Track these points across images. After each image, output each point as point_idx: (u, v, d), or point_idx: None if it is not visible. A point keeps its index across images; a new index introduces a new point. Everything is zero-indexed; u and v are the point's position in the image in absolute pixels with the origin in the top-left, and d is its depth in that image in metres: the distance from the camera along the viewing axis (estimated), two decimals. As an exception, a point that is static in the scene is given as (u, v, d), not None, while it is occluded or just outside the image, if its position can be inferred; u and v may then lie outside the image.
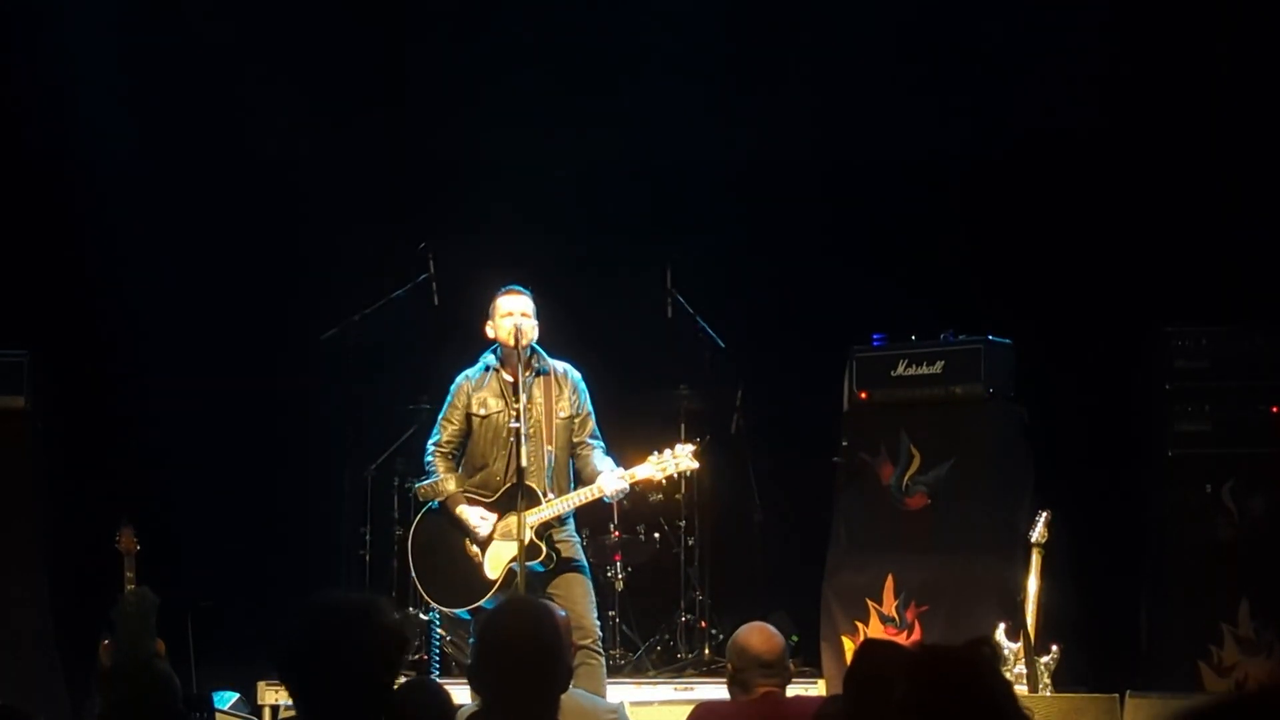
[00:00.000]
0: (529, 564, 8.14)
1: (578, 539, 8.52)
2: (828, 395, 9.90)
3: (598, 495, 8.23)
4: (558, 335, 9.44)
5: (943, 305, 9.95)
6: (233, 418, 10.78)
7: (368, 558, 10.33)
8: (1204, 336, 9.34)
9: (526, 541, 8.09)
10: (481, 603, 8.21)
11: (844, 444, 9.78)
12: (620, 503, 9.43)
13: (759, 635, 5.54)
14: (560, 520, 8.30)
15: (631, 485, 8.35)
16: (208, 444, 10.70)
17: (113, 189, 10.44)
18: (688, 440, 8.89)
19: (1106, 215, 10.16)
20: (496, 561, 8.26)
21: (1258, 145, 9.83)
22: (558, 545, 8.24)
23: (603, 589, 10.11)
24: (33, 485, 9.60)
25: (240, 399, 10.82)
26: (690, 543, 10.23)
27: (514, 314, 8.32)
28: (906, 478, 9.55)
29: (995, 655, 2.65)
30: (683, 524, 10.23)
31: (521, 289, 8.46)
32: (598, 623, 8.36)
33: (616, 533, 10.16)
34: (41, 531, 9.61)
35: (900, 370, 9.64)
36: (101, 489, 10.07)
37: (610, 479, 8.17)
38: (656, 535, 10.32)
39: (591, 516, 10.18)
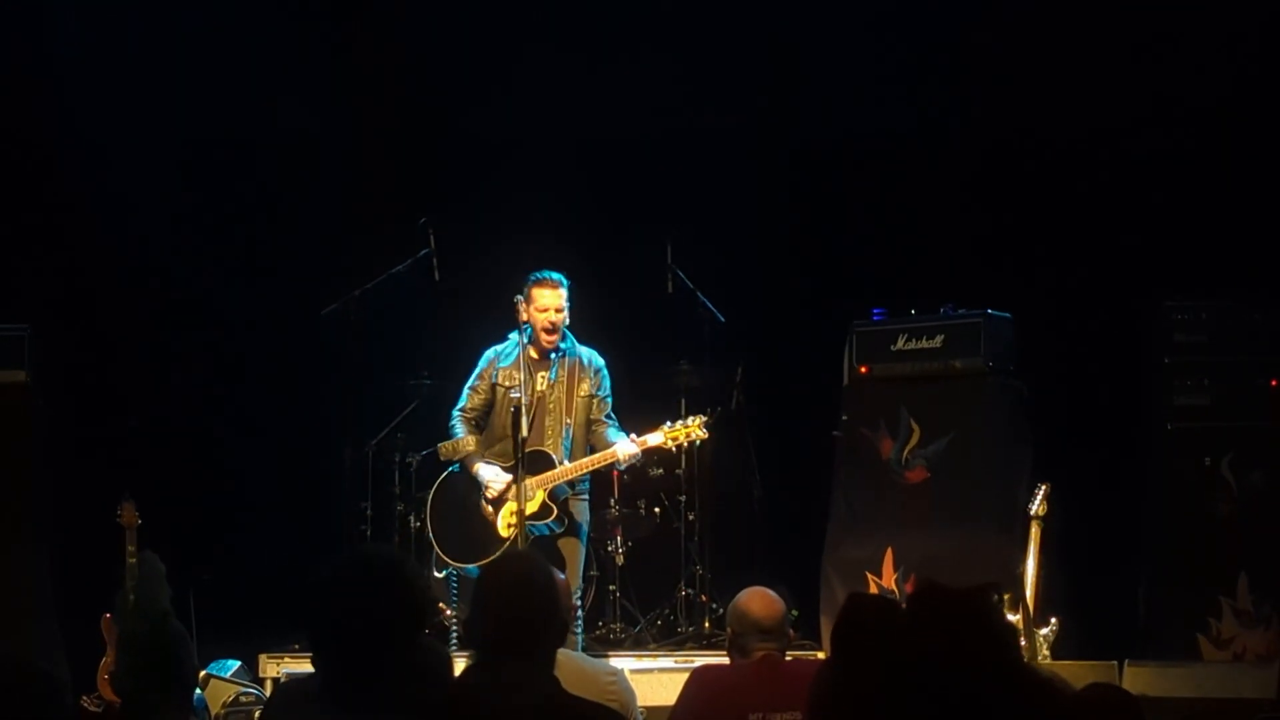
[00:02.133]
0: (541, 523, 8.67)
1: (587, 509, 8.92)
2: (828, 370, 9.91)
3: (612, 459, 8.71)
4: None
5: (943, 279, 9.94)
6: (234, 392, 10.79)
7: (369, 532, 10.35)
8: (1203, 310, 9.36)
9: (539, 502, 8.60)
10: (493, 558, 8.34)
11: (844, 418, 9.79)
12: (620, 475, 9.90)
13: (759, 600, 5.54)
14: (573, 485, 8.78)
15: (643, 452, 8.79)
16: (209, 418, 10.71)
17: (114, 164, 10.43)
18: (690, 415, 9.00)
19: (1106, 189, 10.15)
20: (507, 520, 8.67)
21: (1257, 118, 9.82)
22: (571, 510, 8.73)
23: (603, 563, 10.15)
24: (34, 459, 9.60)
25: (241, 374, 10.83)
26: (690, 517, 10.25)
27: (549, 310, 8.74)
28: (906, 452, 9.57)
29: (1001, 601, 2.67)
30: (683, 498, 10.24)
31: (559, 280, 8.77)
32: (579, 590, 8.78)
33: (617, 508, 10.17)
34: (42, 505, 9.62)
35: (900, 344, 9.66)
36: (102, 463, 10.08)
37: (625, 444, 8.65)
38: (657, 510, 10.32)
39: (592, 491, 10.21)
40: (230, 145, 10.97)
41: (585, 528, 8.94)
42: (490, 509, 8.77)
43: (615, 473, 9.72)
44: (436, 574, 9.46)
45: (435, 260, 10.06)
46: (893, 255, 10.45)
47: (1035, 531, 8.54)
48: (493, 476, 8.73)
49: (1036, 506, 8.55)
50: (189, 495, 10.41)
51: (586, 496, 8.99)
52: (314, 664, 3.69)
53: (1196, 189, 9.87)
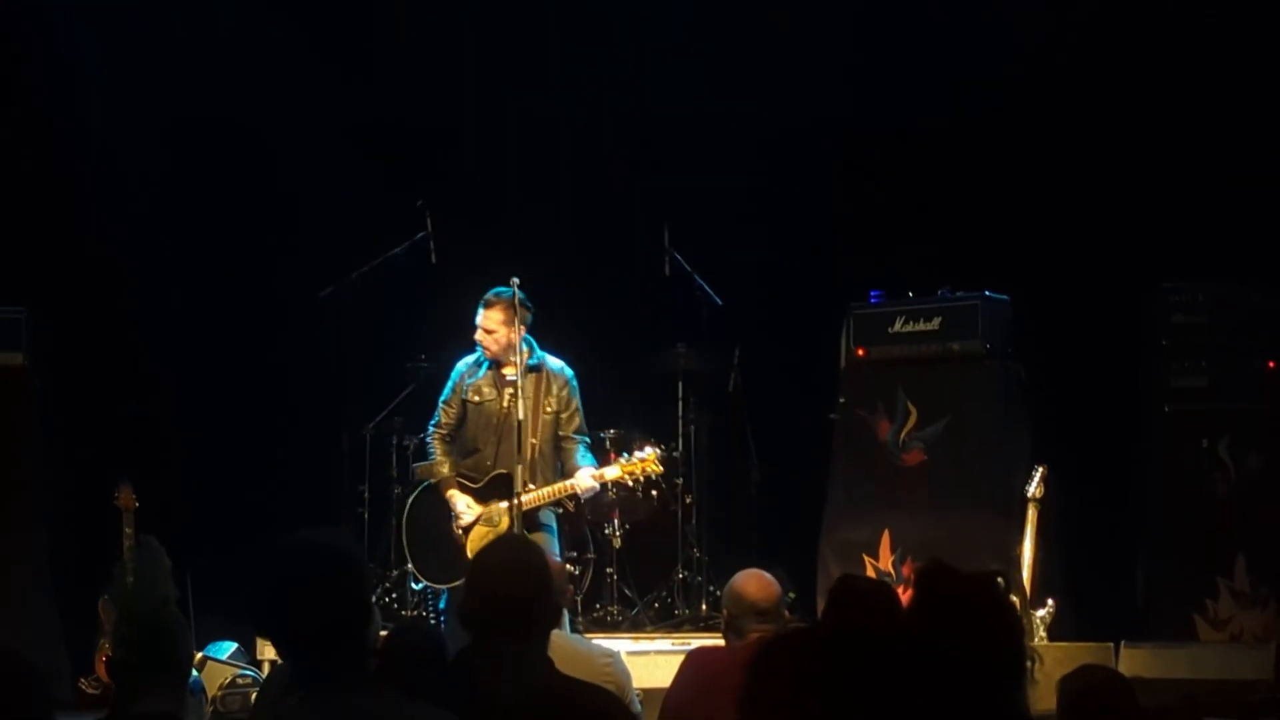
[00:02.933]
0: None
1: (555, 533, 8.82)
2: (825, 352, 9.91)
3: (569, 491, 8.67)
4: (555, 294, 9.46)
5: (940, 262, 9.93)
6: (231, 375, 10.78)
7: (366, 515, 10.36)
8: (1201, 292, 9.37)
9: (504, 528, 8.59)
10: (461, 583, 8.37)
11: (841, 401, 9.80)
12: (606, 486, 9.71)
13: (755, 582, 5.51)
14: (539, 509, 8.65)
15: (602, 485, 8.87)
16: (206, 401, 10.70)
17: (110, 146, 10.41)
18: (662, 443, 9.32)
19: (1105, 170, 10.14)
20: (476, 545, 8.57)
21: (1257, 100, 9.81)
22: (538, 529, 8.64)
23: (601, 546, 10.16)
24: (31, 441, 9.63)
25: (238, 356, 10.82)
26: (688, 500, 10.25)
27: (479, 329, 8.68)
28: (903, 434, 9.57)
29: (1008, 587, 2.66)
30: (680, 481, 10.25)
31: (491, 300, 8.64)
32: None
33: (614, 490, 10.16)
34: (40, 488, 9.64)
35: (897, 327, 9.66)
36: (100, 446, 10.08)
37: (584, 478, 8.64)
38: (654, 493, 10.31)
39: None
40: (228, 128, 10.94)
41: (555, 530, 8.84)
42: (460, 533, 8.76)
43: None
44: (414, 585, 9.58)
45: (433, 243, 10.06)
46: (890, 237, 10.43)
47: (1032, 514, 8.55)
48: (463, 509, 8.73)
49: (1034, 489, 8.56)
50: (186, 478, 10.40)
51: (549, 530, 8.81)
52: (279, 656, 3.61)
53: (1196, 171, 9.85)
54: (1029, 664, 2.98)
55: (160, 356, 10.62)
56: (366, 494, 10.40)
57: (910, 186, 10.53)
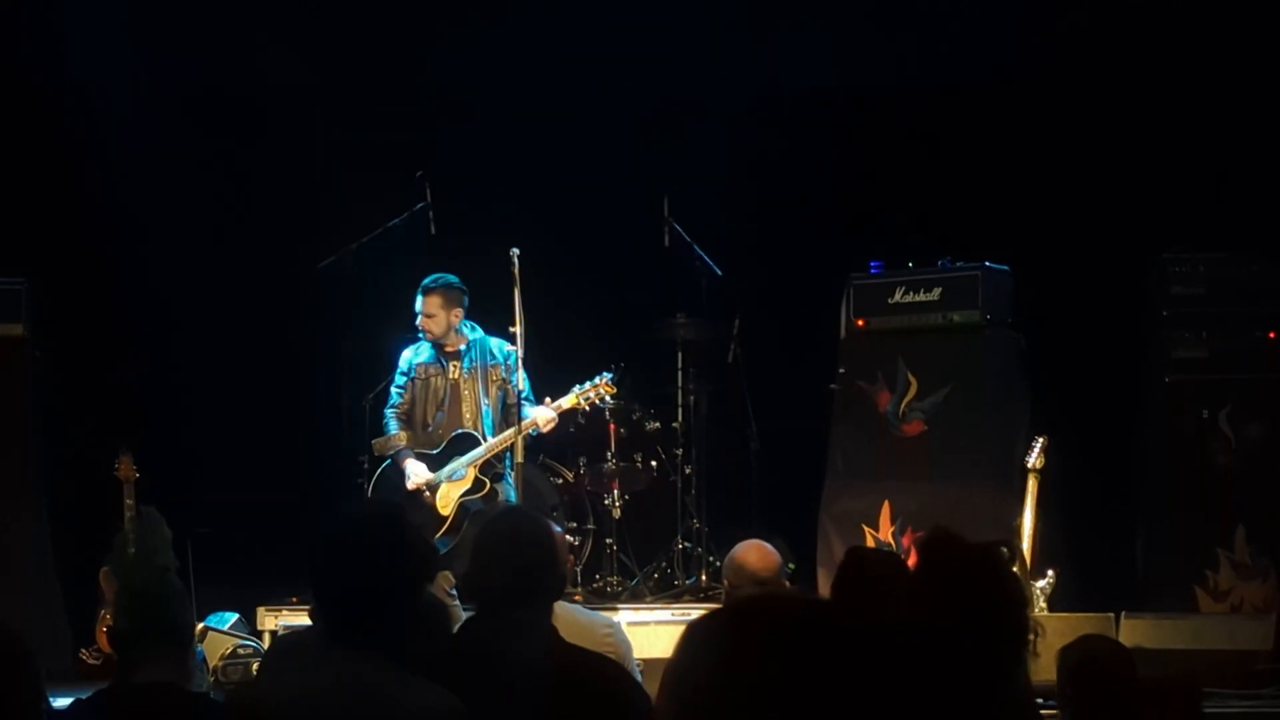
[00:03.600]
0: (476, 498, 9.11)
1: (508, 474, 9.21)
2: (825, 322, 9.90)
3: (531, 426, 9.04)
4: (555, 265, 9.46)
5: (940, 232, 9.92)
6: (230, 346, 10.76)
7: (366, 485, 10.34)
8: (1201, 263, 9.36)
9: (472, 479, 9.11)
10: (435, 539, 8.91)
11: (841, 371, 9.80)
12: (618, 431, 10.19)
13: (755, 552, 5.53)
14: (499, 457, 9.15)
15: (559, 414, 9.17)
16: (206, 372, 10.68)
17: (111, 117, 10.39)
18: (599, 375, 9.29)
19: (1104, 141, 10.13)
20: (445, 501, 9.14)
21: (1255, 70, 9.79)
22: (497, 480, 9.16)
23: (600, 517, 10.17)
24: (31, 413, 9.63)
25: (238, 327, 10.80)
26: (687, 470, 10.25)
27: (420, 315, 9.25)
28: (903, 405, 9.57)
29: (1012, 557, 2.64)
30: (680, 452, 10.24)
31: (433, 285, 9.22)
32: None
33: (614, 461, 10.17)
34: (40, 459, 9.65)
35: (897, 297, 9.65)
36: (100, 417, 10.08)
37: (541, 410, 9.07)
38: (654, 463, 10.33)
39: (588, 445, 10.24)
40: (227, 98, 10.92)
41: (511, 485, 9.17)
42: (428, 493, 9.13)
43: (581, 427, 9.99)
44: None
45: (432, 214, 10.04)
46: (890, 208, 10.42)
47: (1032, 484, 8.55)
48: (414, 471, 9.13)
49: (1034, 459, 8.56)
50: (186, 448, 10.40)
51: (505, 474, 9.22)
52: (313, 614, 3.69)
53: (1195, 141, 9.83)
54: (1031, 636, 2.98)
55: (160, 327, 10.62)
56: (366, 464, 10.38)
57: (911, 157, 10.53)
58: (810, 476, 9.90)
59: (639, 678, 5.55)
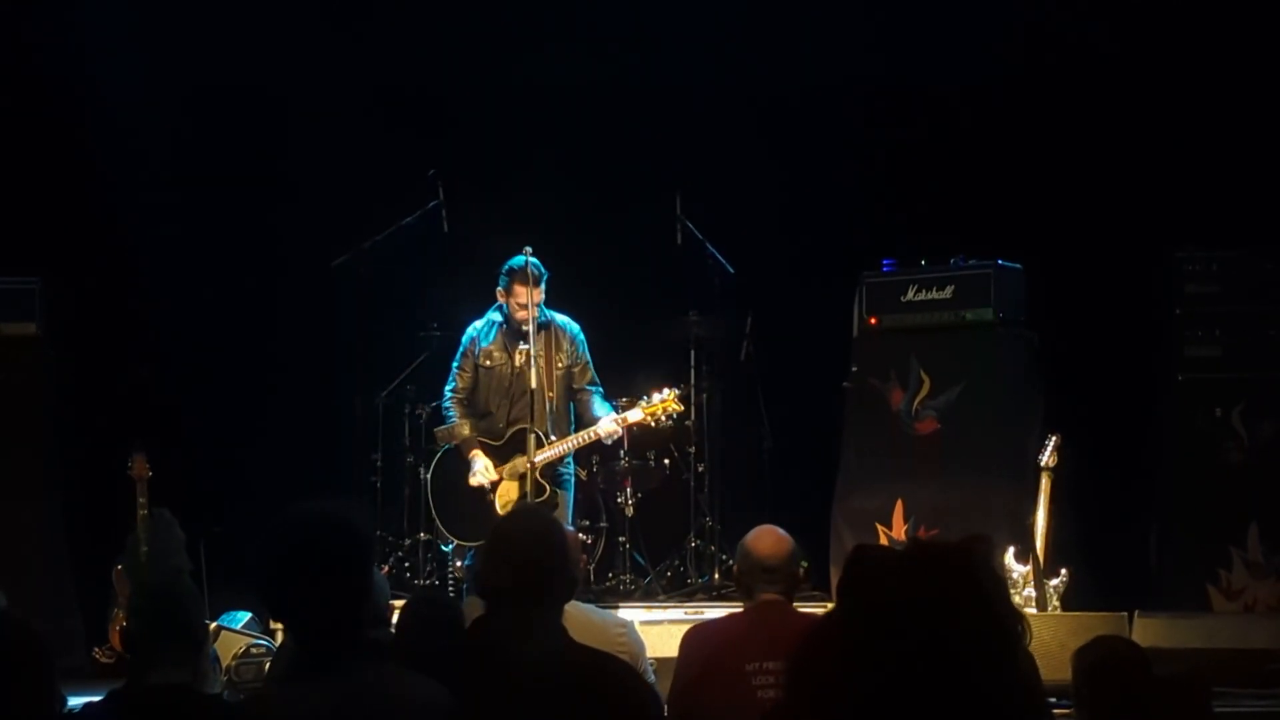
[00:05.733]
0: (535, 502, 8.83)
1: (572, 479, 9.25)
2: (837, 321, 9.89)
3: (595, 438, 9.07)
4: (567, 263, 9.45)
5: (953, 230, 9.91)
6: (244, 344, 10.78)
7: (379, 484, 10.37)
8: (1214, 261, 9.33)
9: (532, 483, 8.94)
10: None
11: (854, 369, 9.79)
12: (629, 429, 9.84)
13: (765, 539, 5.43)
14: (562, 460, 9.09)
15: (625, 429, 9.23)
16: (220, 371, 10.71)
17: (122, 114, 10.40)
18: (681, 382, 9.47)
19: (1118, 138, 10.11)
20: (505, 500, 9.02)
21: (1270, 66, 9.76)
22: (560, 485, 9.09)
23: (613, 515, 10.16)
24: (45, 411, 9.65)
25: (252, 326, 10.82)
26: (700, 469, 10.23)
27: (526, 306, 8.87)
28: (916, 403, 9.56)
29: (989, 552, 2.61)
30: (693, 450, 10.23)
31: (538, 278, 8.89)
32: None
33: (627, 459, 10.16)
34: (54, 458, 9.66)
35: (910, 295, 9.64)
36: (113, 415, 10.09)
37: (606, 423, 9.03)
38: (666, 461, 10.31)
39: (602, 443, 10.22)
40: (240, 96, 10.93)
41: (570, 497, 9.18)
42: (489, 489, 9.06)
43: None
44: (443, 547, 9.75)
45: (444, 212, 10.06)
46: (903, 206, 10.41)
47: (1046, 482, 8.54)
48: (481, 468, 9.02)
49: (1047, 457, 8.55)
50: (200, 447, 10.42)
51: (569, 474, 9.23)
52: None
53: (1209, 138, 9.81)
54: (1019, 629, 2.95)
55: (174, 326, 10.64)
56: (379, 462, 10.41)
57: (924, 154, 10.51)
58: (823, 475, 9.89)
59: (652, 678, 5.56)
